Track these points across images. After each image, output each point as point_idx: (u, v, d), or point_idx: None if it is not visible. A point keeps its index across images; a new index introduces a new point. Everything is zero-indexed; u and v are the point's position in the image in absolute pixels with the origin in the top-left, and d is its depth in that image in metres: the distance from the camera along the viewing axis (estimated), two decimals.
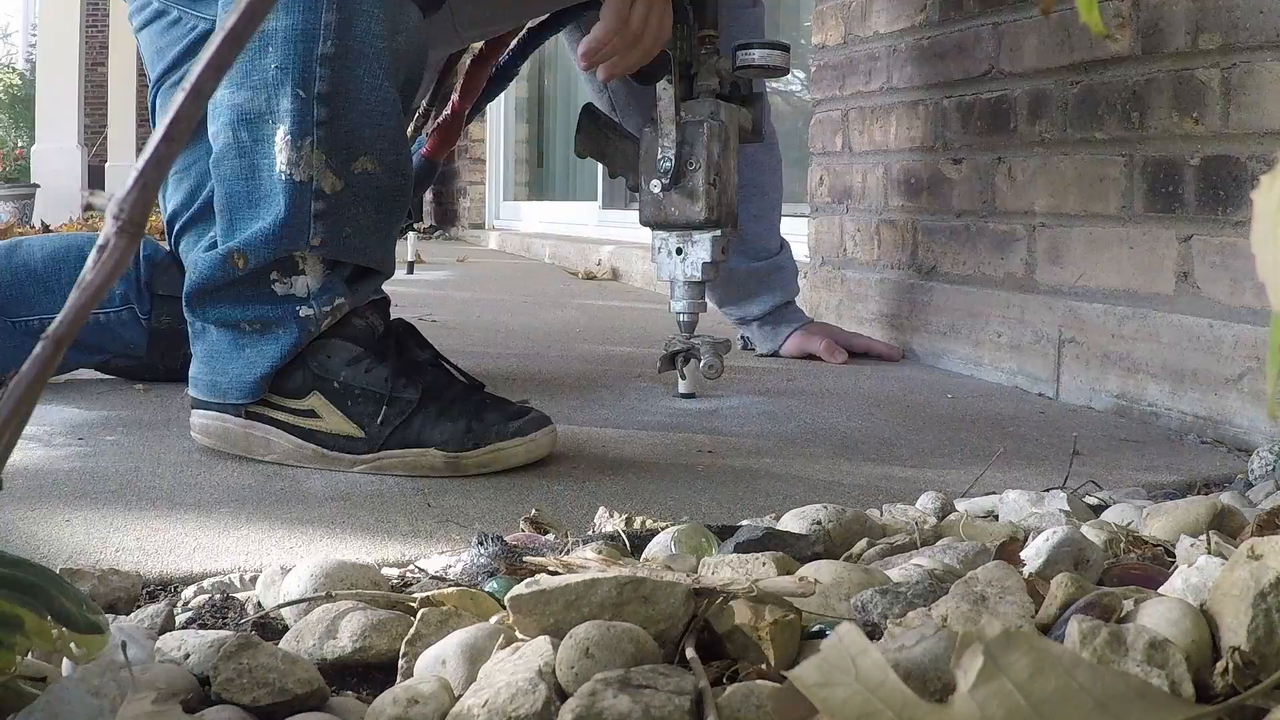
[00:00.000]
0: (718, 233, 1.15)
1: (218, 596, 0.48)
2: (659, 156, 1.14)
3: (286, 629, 0.42)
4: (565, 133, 3.94)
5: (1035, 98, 1.32)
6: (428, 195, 4.95)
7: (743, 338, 1.57)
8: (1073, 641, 0.30)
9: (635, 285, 2.57)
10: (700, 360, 1.11)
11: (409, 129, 1.34)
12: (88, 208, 2.65)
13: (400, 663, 0.37)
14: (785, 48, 1.18)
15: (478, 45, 1.37)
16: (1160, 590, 0.38)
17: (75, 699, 0.36)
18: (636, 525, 0.54)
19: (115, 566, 0.54)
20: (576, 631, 0.32)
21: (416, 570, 0.55)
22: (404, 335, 0.86)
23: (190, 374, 0.85)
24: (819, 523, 0.47)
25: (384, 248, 0.89)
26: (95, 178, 6.71)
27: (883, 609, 0.36)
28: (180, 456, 0.85)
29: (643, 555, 0.47)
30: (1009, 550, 0.42)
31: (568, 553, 0.44)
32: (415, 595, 0.41)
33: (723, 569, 0.41)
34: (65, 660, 0.39)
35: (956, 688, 0.28)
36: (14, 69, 11.25)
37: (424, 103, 1.39)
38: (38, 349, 0.27)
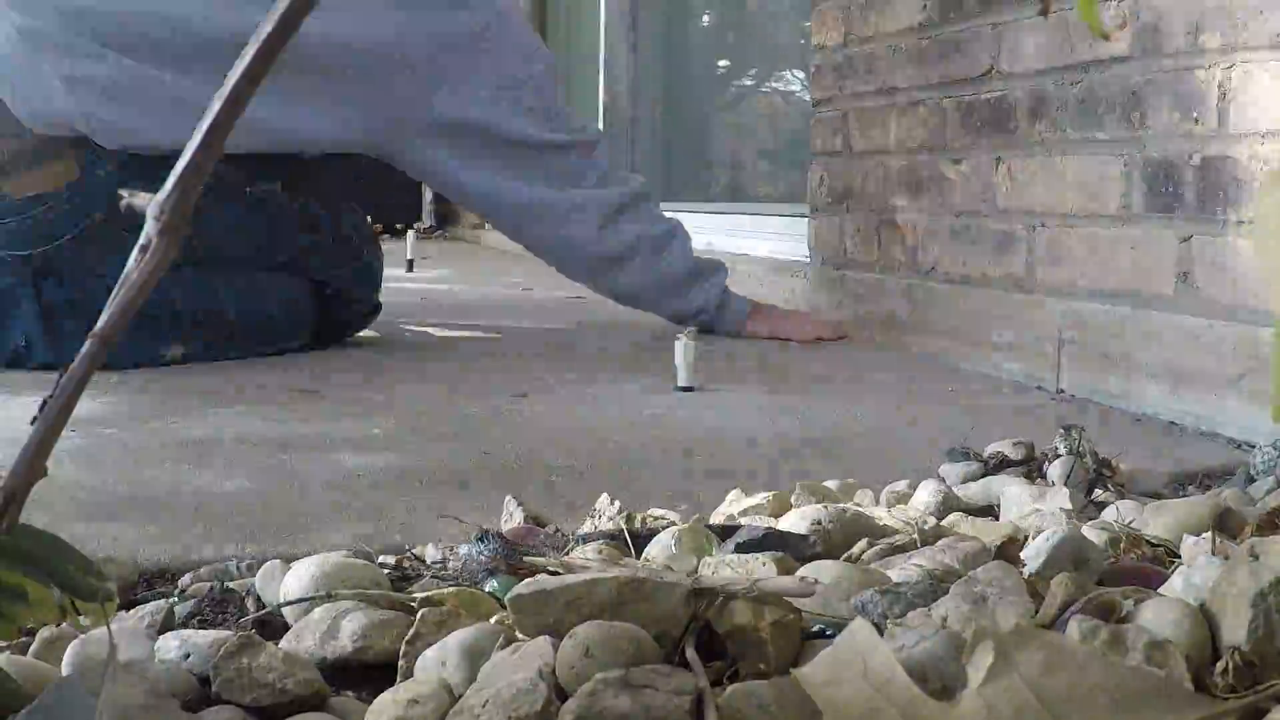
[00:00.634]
0: None
1: (215, 585, 0.48)
2: None
3: (287, 626, 0.42)
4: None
5: (1035, 98, 1.32)
6: (428, 195, 4.93)
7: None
8: (1067, 638, 0.30)
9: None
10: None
11: None
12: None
13: (400, 663, 0.37)
14: None
15: None
16: (1160, 590, 0.38)
17: (75, 699, 0.36)
18: (637, 523, 0.54)
19: (111, 555, 0.54)
20: (577, 631, 0.32)
21: (413, 558, 0.55)
22: None
23: None
24: (819, 523, 0.48)
25: None
26: None
27: (883, 609, 0.36)
28: (177, 449, 0.85)
29: (643, 555, 0.47)
30: (1009, 550, 0.42)
31: (568, 552, 0.44)
32: (415, 595, 0.41)
33: (723, 569, 0.41)
34: (65, 660, 0.39)
35: (964, 685, 0.28)
36: None
37: None
38: (86, 346, 0.29)
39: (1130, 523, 0.48)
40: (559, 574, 0.38)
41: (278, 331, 1.32)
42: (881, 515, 0.55)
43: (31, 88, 1.27)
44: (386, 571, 0.53)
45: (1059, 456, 0.66)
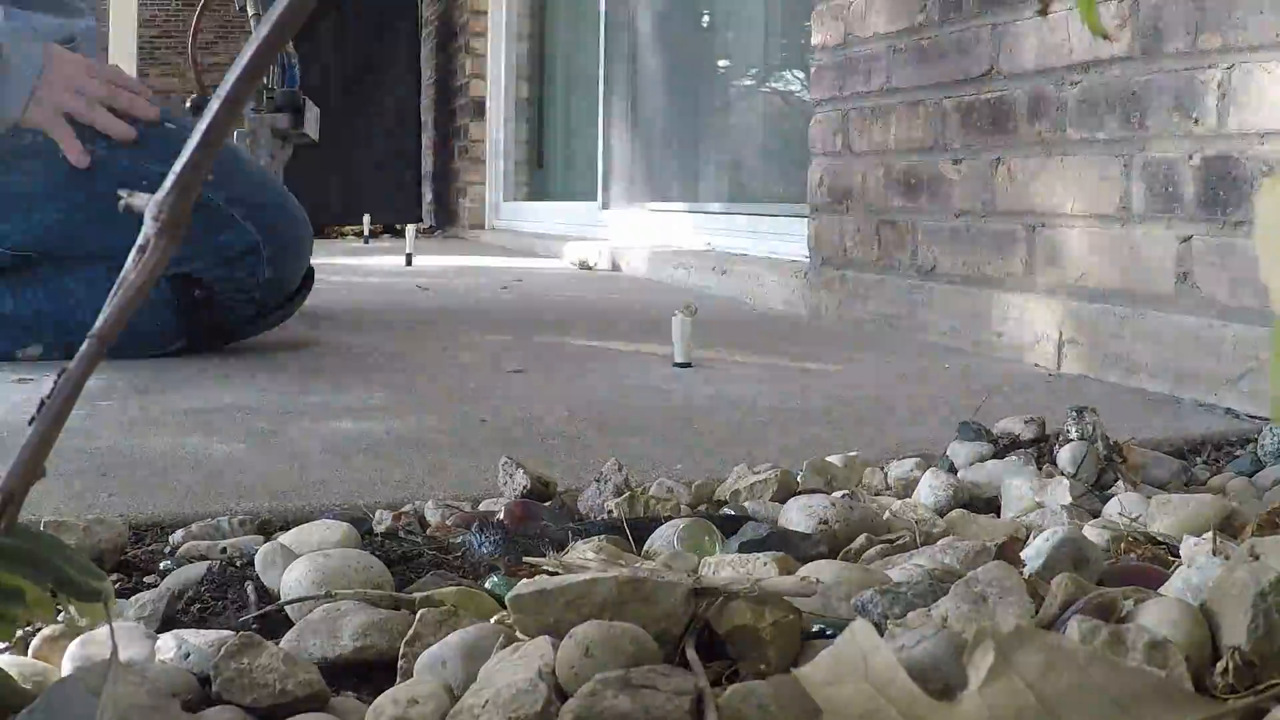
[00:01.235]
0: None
1: (215, 565, 0.48)
2: None
3: (288, 621, 0.42)
4: (565, 133, 3.94)
5: (1035, 98, 1.32)
6: (428, 195, 4.94)
7: None
8: (1068, 639, 0.30)
9: (637, 276, 2.57)
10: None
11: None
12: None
13: (400, 663, 0.37)
14: None
15: None
16: (1160, 590, 0.38)
17: (75, 699, 0.36)
18: (640, 505, 0.53)
19: (103, 515, 0.54)
20: (576, 631, 0.32)
21: (411, 515, 0.55)
22: None
23: None
24: (825, 521, 0.48)
25: None
26: None
27: (883, 609, 0.36)
28: (177, 417, 0.87)
29: (644, 548, 0.47)
30: (1009, 550, 0.42)
31: (567, 551, 0.44)
32: (415, 594, 0.41)
33: (724, 568, 0.41)
34: (65, 660, 0.39)
35: (965, 686, 0.28)
36: None
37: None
38: (84, 347, 0.28)
39: (1136, 518, 0.48)
40: (558, 573, 0.38)
41: (139, 337, 1.09)
42: (888, 503, 0.55)
43: None
44: (383, 528, 0.53)
45: (1070, 441, 0.64)
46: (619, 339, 1.43)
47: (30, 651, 0.39)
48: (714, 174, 2.93)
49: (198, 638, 0.38)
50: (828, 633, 0.37)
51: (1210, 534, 0.43)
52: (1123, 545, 0.43)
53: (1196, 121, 1.09)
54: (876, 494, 0.59)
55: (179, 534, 0.54)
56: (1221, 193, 1.08)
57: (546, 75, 4.05)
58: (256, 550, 0.49)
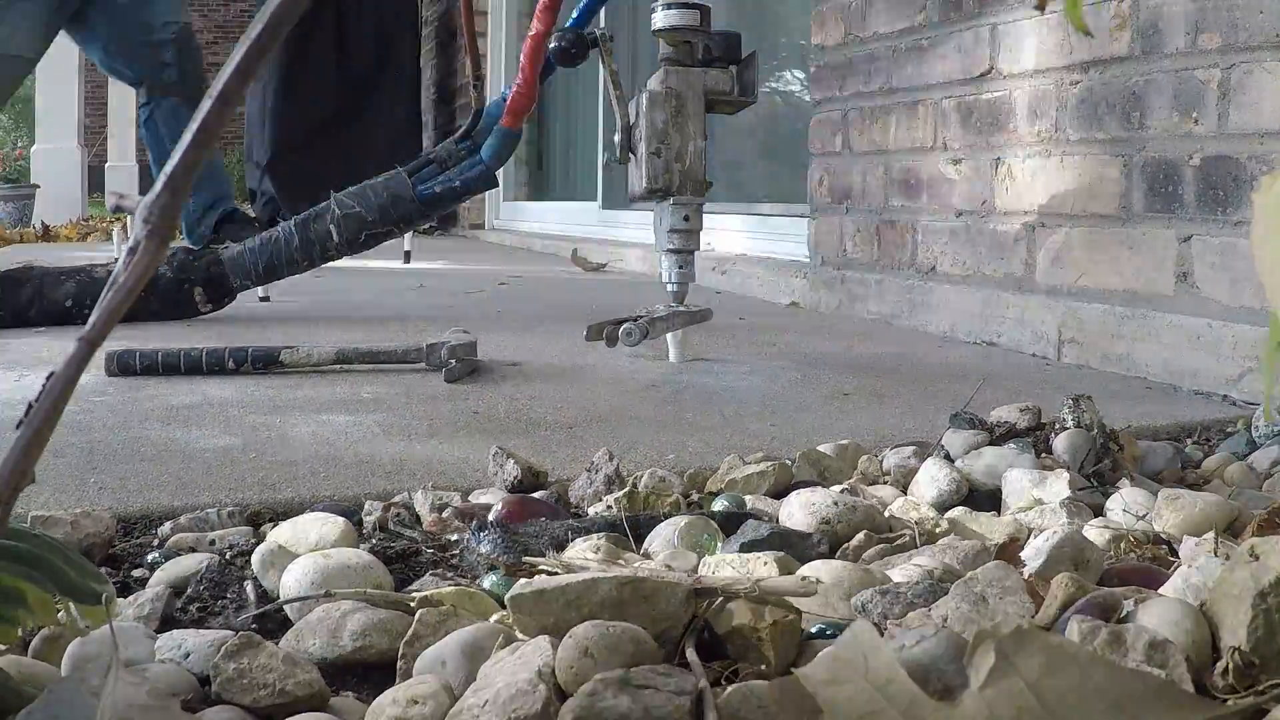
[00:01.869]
0: (675, 200, 1.16)
1: (192, 536, 0.47)
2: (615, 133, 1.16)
3: (287, 621, 0.42)
4: (565, 133, 3.93)
5: (1034, 98, 1.32)
6: None
7: None
8: (1068, 640, 0.30)
9: (636, 276, 2.57)
10: (640, 332, 1.04)
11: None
12: (116, 209, 2.67)
13: (399, 663, 0.37)
14: (696, 6, 1.13)
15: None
16: (1161, 590, 0.38)
17: (75, 699, 0.35)
18: (640, 493, 0.53)
19: (90, 509, 0.54)
20: (576, 631, 0.32)
21: (401, 506, 0.55)
22: None
23: None
24: (827, 521, 0.47)
25: None
26: (95, 178, 6.71)
27: (883, 609, 0.36)
28: (169, 411, 0.87)
29: (643, 546, 0.47)
30: (1009, 550, 0.42)
31: (566, 549, 0.44)
32: (414, 594, 0.41)
33: (724, 568, 0.41)
34: (65, 660, 0.39)
35: (964, 686, 0.28)
36: None
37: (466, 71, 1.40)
38: (73, 350, 0.28)
39: (1143, 516, 0.47)
40: (558, 573, 0.38)
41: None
42: (887, 497, 0.54)
43: None
44: (373, 519, 0.53)
45: (1066, 429, 0.64)
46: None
47: (30, 651, 0.39)
48: (714, 174, 2.93)
49: (197, 638, 0.38)
50: (828, 632, 0.36)
51: (1211, 534, 0.42)
52: (1124, 544, 0.43)
53: (1196, 121, 1.09)
54: (872, 483, 0.58)
55: (167, 526, 0.54)
56: (1222, 193, 1.08)
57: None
58: (247, 542, 0.49)
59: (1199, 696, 0.28)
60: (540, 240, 3.43)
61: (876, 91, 1.64)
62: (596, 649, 0.32)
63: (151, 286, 1.46)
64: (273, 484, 0.62)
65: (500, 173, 4.81)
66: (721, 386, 1.03)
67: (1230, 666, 0.31)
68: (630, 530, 0.47)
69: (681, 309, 1.17)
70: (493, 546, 0.45)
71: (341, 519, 0.50)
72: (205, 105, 0.28)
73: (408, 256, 2.81)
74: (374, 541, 0.50)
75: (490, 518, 0.51)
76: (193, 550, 0.51)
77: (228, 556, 0.49)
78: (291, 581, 0.44)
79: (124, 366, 1.04)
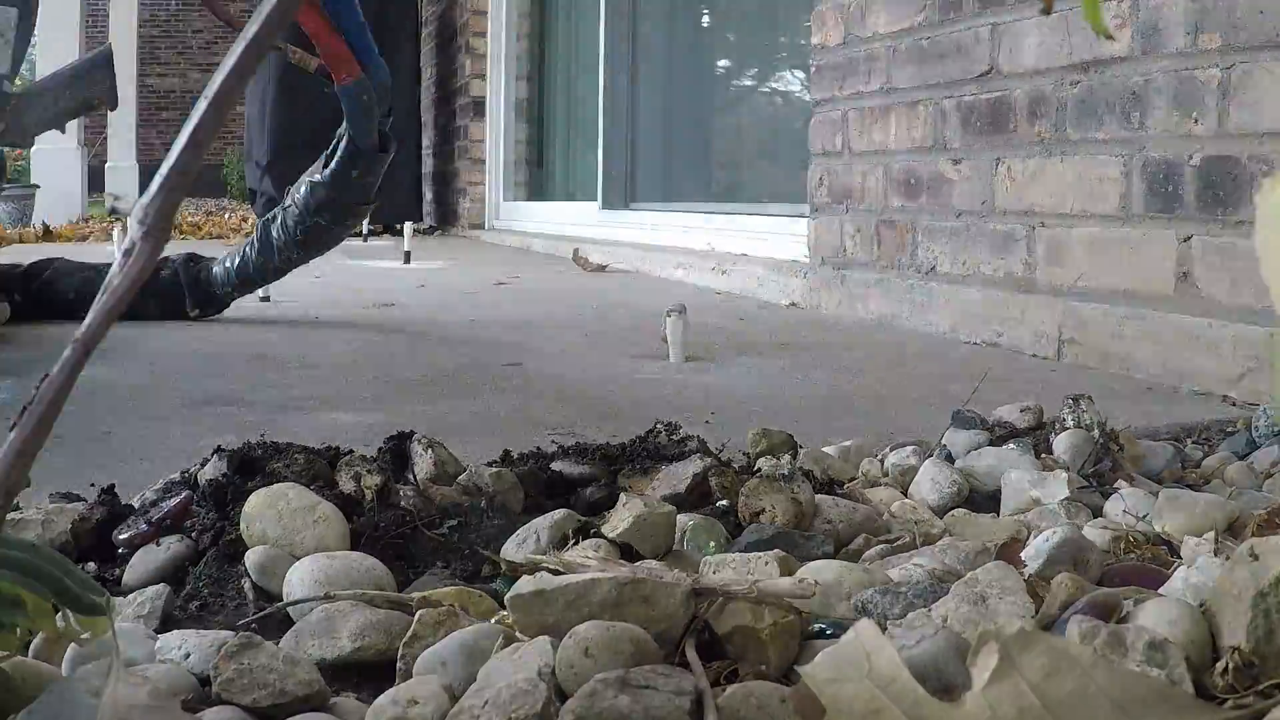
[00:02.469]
0: None
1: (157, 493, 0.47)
2: None
3: (289, 619, 0.42)
4: (565, 133, 3.93)
5: (1034, 98, 1.32)
6: (428, 195, 4.93)
7: None
8: (1072, 642, 0.30)
9: (636, 276, 2.57)
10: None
11: None
12: (112, 212, 2.67)
13: (399, 664, 0.37)
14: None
15: None
16: (1161, 591, 0.38)
17: (75, 699, 0.35)
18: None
19: (61, 506, 0.53)
20: (576, 631, 0.32)
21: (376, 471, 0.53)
22: None
23: None
24: (830, 522, 0.47)
25: None
26: (95, 178, 6.71)
27: (883, 609, 0.36)
28: (165, 410, 0.88)
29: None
30: (1009, 550, 0.42)
31: (568, 548, 0.44)
32: (414, 594, 0.41)
33: (724, 569, 0.41)
34: (65, 660, 0.39)
35: (964, 686, 0.28)
36: None
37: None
38: (67, 353, 0.28)
39: (1143, 517, 0.47)
40: (560, 572, 0.38)
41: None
42: (887, 498, 0.54)
43: None
44: (350, 489, 0.52)
45: (1066, 429, 0.64)
46: (614, 333, 1.43)
47: (30, 652, 0.39)
48: (714, 174, 2.93)
49: (198, 638, 0.38)
50: (828, 632, 0.36)
51: (1211, 534, 0.42)
52: (1123, 545, 0.43)
53: (1196, 121, 1.09)
54: (873, 484, 0.58)
55: (136, 499, 0.54)
56: (1222, 193, 1.08)
57: (546, 75, 4.05)
58: (219, 476, 0.49)
59: (1201, 701, 0.28)
60: (540, 240, 3.43)
61: (876, 91, 1.64)
62: (597, 649, 0.32)
63: (149, 287, 1.49)
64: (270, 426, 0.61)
65: (499, 172, 4.77)
66: (720, 386, 1.03)
67: (1230, 666, 0.31)
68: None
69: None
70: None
71: (328, 504, 0.48)
72: (201, 107, 0.28)
73: (408, 257, 2.82)
74: (365, 518, 0.49)
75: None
76: (156, 505, 0.51)
77: (199, 484, 0.49)
78: (295, 581, 0.44)
79: None
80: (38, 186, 5.72)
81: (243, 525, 0.48)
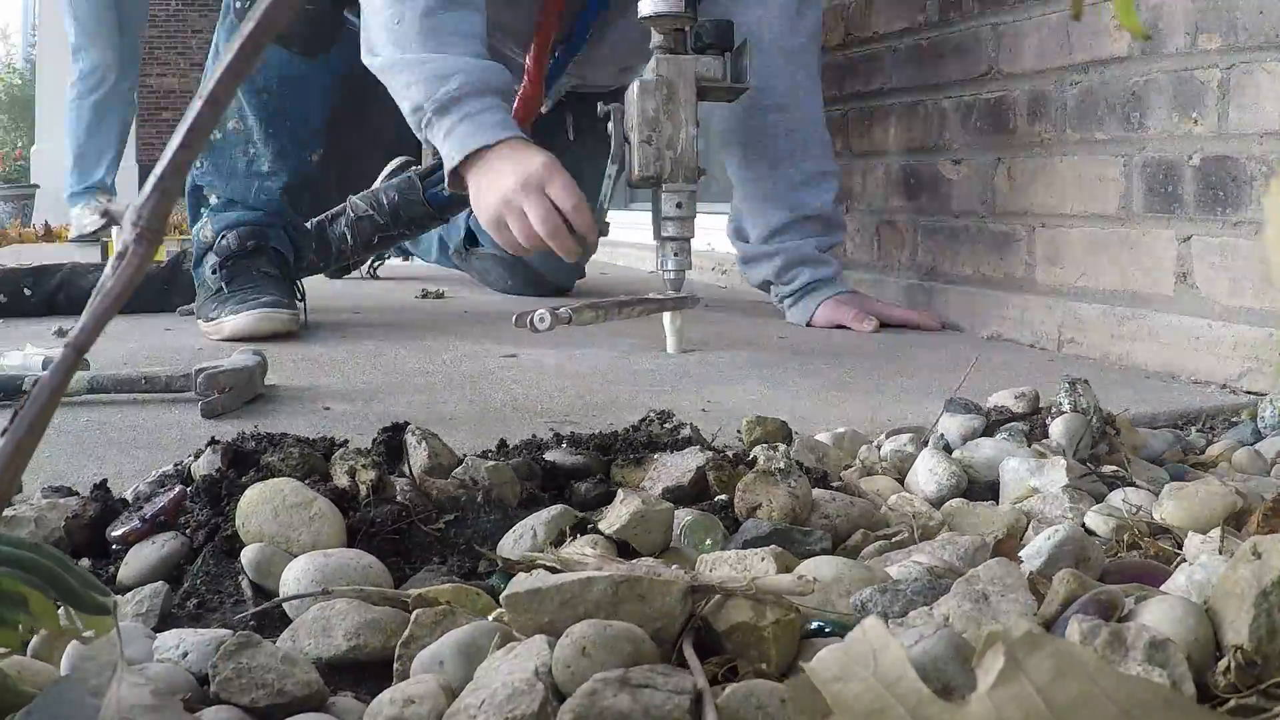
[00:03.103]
0: (667, 187, 1.16)
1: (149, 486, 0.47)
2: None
3: (284, 616, 0.42)
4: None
5: (1034, 98, 1.32)
6: None
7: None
8: (1073, 641, 0.30)
9: (635, 275, 2.57)
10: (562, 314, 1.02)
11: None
12: (105, 214, 2.66)
13: (395, 664, 0.37)
14: None
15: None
16: (1163, 588, 0.38)
17: (75, 699, 0.35)
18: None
19: (54, 502, 0.53)
20: (573, 631, 0.32)
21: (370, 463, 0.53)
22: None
23: None
24: (827, 516, 0.47)
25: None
26: None
27: (883, 607, 0.36)
28: (158, 400, 0.88)
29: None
30: (1006, 545, 0.41)
31: (565, 545, 0.44)
32: (410, 592, 0.41)
33: (721, 566, 0.41)
34: (64, 660, 0.39)
35: (967, 686, 0.28)
36: (14, 69, 11.23)
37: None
38: (60, 356, 0.27)
39: (1140, 510, 0.47)
40: (557, 570, 0.38)
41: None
42: (885, 488, 0.54)
43: None
44: (344, 483, 0.52)
45: (1062, 413, 0.63)
46: (611, 327, 1.43)
47: (29, 651, 0.39)
48: (714, 174, 2.93)
49: (196, 637, 0.38)
50: (826, 630, 0.36)
51: (1217, 529, 0.42)
52: (1127, 536, 0.43)
53: (1196, 121, 1.09)
54: (870, 473, 0.58)
55: (129, 492, 0.54)
56: (1221, 193, 1.07)
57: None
58: (213, 471, 0.49)
59: (1205, 709, 0.28)
60: None
61: (876, 92, 1.64)
62: (594, 648, 0.32)
63: (174, 280, 1.51)
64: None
65: None
66: (717, 374, 1.03)
67: (1232, 665, 0.31)
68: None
69: (650, 296, 1.17)
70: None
71: (322, 498, 0.48)
72: (195, 106, 0.28)
73: (407, 255, 2.83)
74: (360, 513, 0.49)
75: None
76: (150, 499, 0.51)
77: (190, 475, 0.49)
78: (291, 579, 0.44)
79: None
80: (37, 186, 5.72)
81: (238, 522, 0.48)
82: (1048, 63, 1.30)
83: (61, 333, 1.31)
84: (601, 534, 0.44)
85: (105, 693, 0.35)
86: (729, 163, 1.52)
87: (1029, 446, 0.58)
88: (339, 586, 0.42)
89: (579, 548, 0.43)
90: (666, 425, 0.59)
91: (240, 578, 0.46)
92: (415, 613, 0.38)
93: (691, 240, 1.21)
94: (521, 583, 0.35)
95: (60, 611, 0.35)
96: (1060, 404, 0.64)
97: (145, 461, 0.68)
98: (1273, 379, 0.86)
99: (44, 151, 5.76)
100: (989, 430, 0.62)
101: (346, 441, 0.56)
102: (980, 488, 0.58)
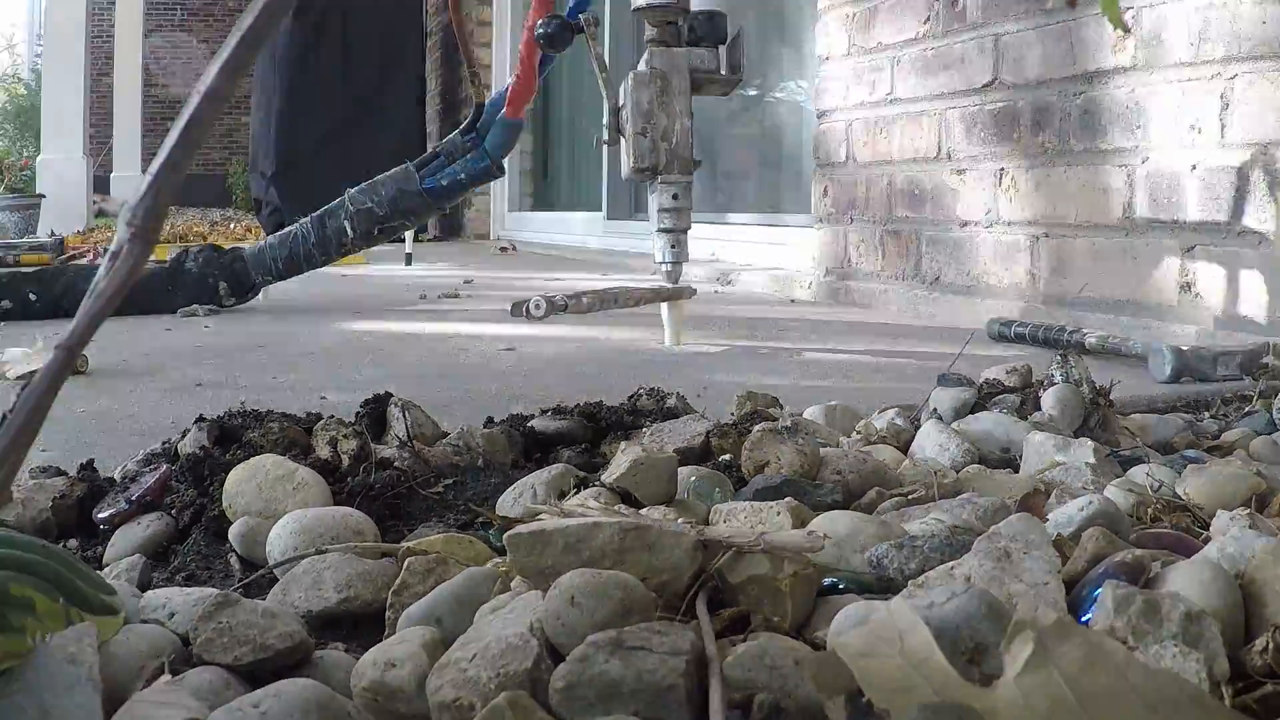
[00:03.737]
0: (663, 179, 1.15)
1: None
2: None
3: (276, 581, 0.41)
4: (569, 143, 3.95)
5: (1038, 108, 1.33)
6: None
7: None
8: (1106, 608, 0.29)
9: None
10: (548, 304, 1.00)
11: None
12: (100, 214, 2.66)
13: (388, 613, 0.36)
14: None
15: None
16: (1193, 560, 0.36)
17: (52, 667, 0.34)
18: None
19: (41, 482, 0.52)
20: (561, 582, 0.31)
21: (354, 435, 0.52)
22: None
23: None
24: (839, 472, 0.46)
25: None
26: (100, 188, 6.73)
27: (899, 564, 0.34)
28: (155, 395, 0.87)
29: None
30: (1032, 502, 0.40)
31: (569, 497, 0.43)
32: (401, 545, 0.40)
33: (735, 517, 0.39)
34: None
35: (997, 648, 0.27)
36: (19, 79, 11.34)
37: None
38: (51, 358, 0.27)
39: (1160, 487, 0.46)
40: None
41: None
42: (888, 459, 0.52)
43: None
44: (326, 453, 0.51)
45: (1054, 385, 0.62)
46: (608, 320, 1.43)
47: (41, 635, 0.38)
48: (718, 184, 2.94)
49: (182, 596, 0.37)
50: (840, 586, 0.35)
51: (1243, 509, 0.41)
52: (1150, 511, 0.42)
53: (1199, 131, 1.09)
54: (869, 443, 0.56)
55: (117, 471, 0.53)
56: (1225, 203, 1.07)
57: (551, 85, 4.08)
58: (197, 449, 0.48)
59: (1234, 712, 0.27)
60: (544, 249, 3.44)
61: (880, 102, 1.65)
62: (584, 597, 0.30)
63: (176, 280, 1.52)
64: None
65: (505, 182, 4.79)
66: (714, 363, 1.03)
67: (1271, 645, 0.30)
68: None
69: (645, 286, 1.17)
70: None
71: (311, 471, 0.48)
72: (193, 101, 0.27)
73: (409, 259, 2.84)
74: (355, 483, 0.48)
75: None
76: (133, 480, 0.50)
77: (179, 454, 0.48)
78: (275, 539, 0.42)
79: None
80: (43, 197, 5.73)
81: (225, 503, 0.47)
82: (1051, 73, 1.31)
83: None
84: (605, 486, 0.42)
85: (83, 661, 0.34)
86: None
87: (1021, 418, 0.57)
88: (323, 543, 0.41)
89: (581, 499, 0.41)
90: (656, 399, 0.59)
91: (230, 556, 0.45)
92: (407, 561, 0.37)
93: (688, 231, 1.20)
94: (527, 525, 0.34)
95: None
96: (1052, 375, 0.63)
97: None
98: None
99: (50, 162, 5.78)
100: (980, 403, 0.61)
101: (332, 416, 0.55)
102: (992, 464, 0.55)
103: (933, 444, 0.54)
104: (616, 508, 0.39)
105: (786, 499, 0.40)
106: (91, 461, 0.54)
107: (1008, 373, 0.65)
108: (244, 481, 0.47)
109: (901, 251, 1.60)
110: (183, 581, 0.43)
